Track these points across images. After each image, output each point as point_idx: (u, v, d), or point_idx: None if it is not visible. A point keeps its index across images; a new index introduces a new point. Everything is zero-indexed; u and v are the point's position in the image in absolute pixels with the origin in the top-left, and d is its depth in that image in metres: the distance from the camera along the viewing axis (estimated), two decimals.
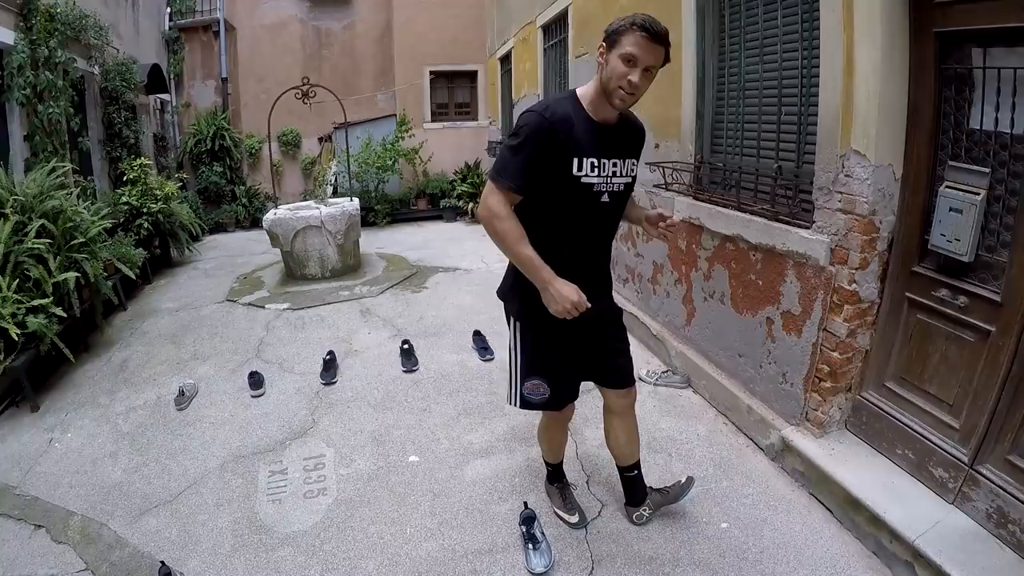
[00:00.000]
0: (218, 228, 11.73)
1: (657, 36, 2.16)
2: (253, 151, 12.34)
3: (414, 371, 4.85)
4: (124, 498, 3.49)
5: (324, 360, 4.87)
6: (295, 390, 4.67)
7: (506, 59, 10.31)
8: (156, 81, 9.92)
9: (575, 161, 2.30)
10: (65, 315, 4.74)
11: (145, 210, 7.95)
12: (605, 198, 2.41)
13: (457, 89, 12.69)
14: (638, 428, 2.97)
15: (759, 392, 3.65)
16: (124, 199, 7.88)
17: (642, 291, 5.14)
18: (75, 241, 5.25)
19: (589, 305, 2.31)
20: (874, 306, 3.02)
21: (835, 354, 3.08)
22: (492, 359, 4.98)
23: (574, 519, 3.06)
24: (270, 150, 9.43)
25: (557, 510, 3.15)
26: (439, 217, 11.57)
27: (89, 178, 7.47)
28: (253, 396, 4.60)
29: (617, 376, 2.81)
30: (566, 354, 2.64)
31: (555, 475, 3.23)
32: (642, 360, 4.76)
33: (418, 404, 4.37)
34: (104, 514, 3.36)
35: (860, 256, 2.89)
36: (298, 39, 12.40)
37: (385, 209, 11.33)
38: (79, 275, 5.11)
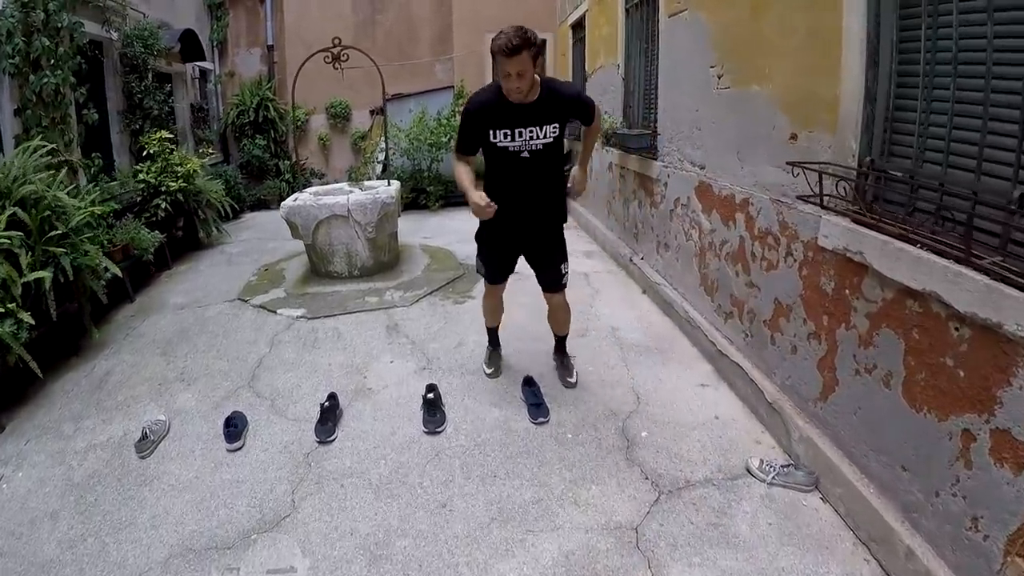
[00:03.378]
0: (260, 205, 10.94)
1: (512, 51, 3.00)
2: (300, 123, 11.42)
3: (438, 433, 3.64)
4: None
5: (322, 407, 3.74)
6: (281, 447, 3.59)
7: (579, 25, 8.95)
8: (192, 48, 9.08)
9: (490, 132, 3.37)
10: (33, 322, 3.93)
11: (164, 189, 7.10)
12: (525, 155, 3.38)
13: None
14: (566, 314, 4.07)
15: (926, 529, 2.36)
16: (141, 176, 7.08)
17: (753, 334, 3.74)
18: (54, 233, 4.37)
19: (494, 206, 3.20)
20: None
21: None
22: (546, 422, 3.66)
23: (490, 371, 4.27)
24: (292, 120, 8.57)
25: (483, 364, 4.36)
26: None
27: (95, 155, 6.58)
28: (229, 450, 3.56)
29: (546, 282, 3.89)
30: (499, 253, 3.83)
31: (491, 338, 4.39)
32: (749, 437, 3.44)
33: (436, 493, 3.17)
34: None
35: None
36: (349, 3, 11.30)
37: (438, 191, 10.20)
38: (56, 272, 4.29)
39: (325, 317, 5.38)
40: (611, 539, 2.73)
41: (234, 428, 3.60)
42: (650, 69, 5.46)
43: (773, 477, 3.02)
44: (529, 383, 3.93)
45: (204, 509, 3.12)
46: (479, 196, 3.24)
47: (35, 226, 4.21)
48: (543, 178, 3.54)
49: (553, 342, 4.30)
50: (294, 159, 10.03)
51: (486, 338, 4.59)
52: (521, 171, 3.46)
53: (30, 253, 4.11)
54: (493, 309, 4.20)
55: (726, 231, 4.00)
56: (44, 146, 4.78)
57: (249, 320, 5.50)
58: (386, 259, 6.44)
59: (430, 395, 3.78)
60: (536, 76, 3.26)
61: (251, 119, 10.86)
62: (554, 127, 3.38)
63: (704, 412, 3.66)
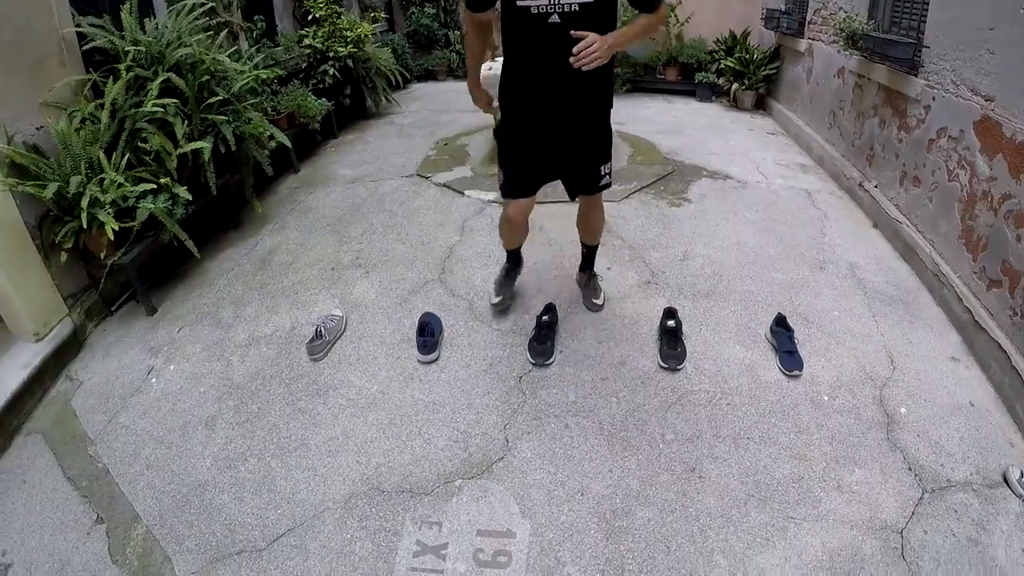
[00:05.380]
0: (427, 76, 10.40)
1: None
2: None
3: (678, 371, 2.90)
4: (203, 516, 2.34)
5: (539, 321, 3.05)
6: (486, 364, 2.95)
7: None
8: None
9: None
10: (190, 197, 3.51)
11: (331, 54, 6.59)
12: (554, 19, 2.37)
13: None
14: (598, 223, 3.21)
15: None
16: (307, 42, 6.59)
17: None
18: (213, 99, 3.88)
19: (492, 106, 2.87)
20: None
21: None
22: (800, 375, 2.89)
23: (495, 299, 3.29)
24: None
25: (492, 288, 3.38)
26: (691, 93, 9.14)
27: (257, 18, 6.04)
28: (421, 360, 2.96)
29: (577, 185, 2.95)
30: (525, 154, 2.77)
31: (509, 258, 3.37)
32: (1003, 436, 2.61)
33: (682, 452, 2.49)
34: (173, 539, 2.27)
35: None
36: None
37: (627, 74, 9.20)
38: (216, 142, 3.87)
39: None
40: (876, 542, 2.18)
41: (430, 337, 2.98)
42: None
43: None
44: (782, 324, 3.09)
45: (393, 437, 2.59)
46: (476, 95, 2.99)
47: (192, 93, 3.73)
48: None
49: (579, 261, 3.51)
50: (465, 29, 9.21)
51: (715, 252, 3.84)
52: (552, 45, 2.39)
53: (187, 122, 3.66)
54: (511, 233, 3.16)
55: (1013, 184, 3.00)
56: (202, 4, 4.18)
57: (432, 200, 4.87)
58: None
59: (671, 323, 3.00)
60: None
61: None
62: None
63: (959, 394, 2.84)
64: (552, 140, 2.73)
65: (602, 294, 3.40)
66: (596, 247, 3.40)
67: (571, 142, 2.75)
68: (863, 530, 2.19)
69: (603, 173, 2.88)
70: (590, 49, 2.24)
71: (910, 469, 2.43)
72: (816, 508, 2.27)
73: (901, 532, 2.20)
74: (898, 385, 2.85)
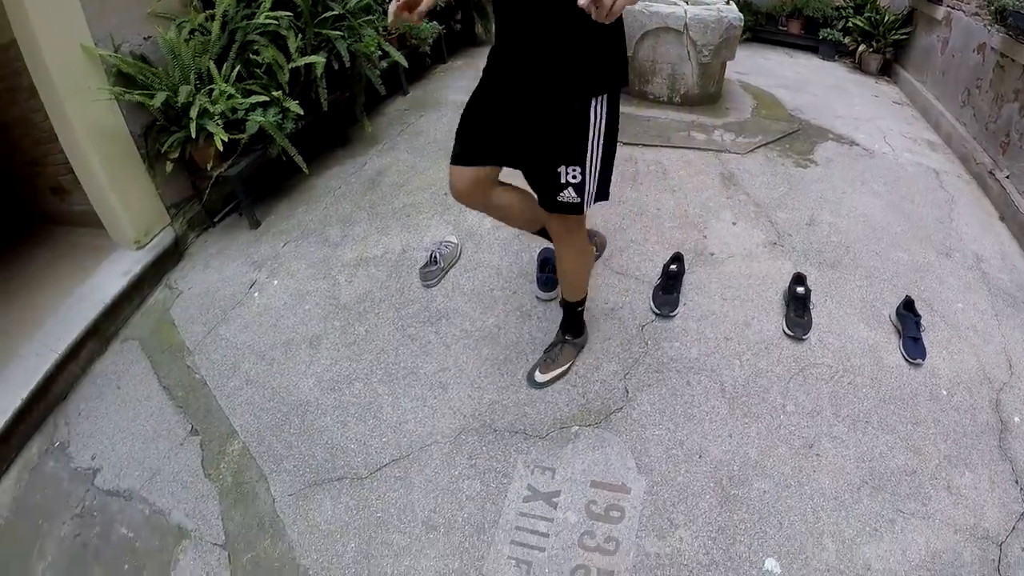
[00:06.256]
0: None
1: None
2: None
3: (803, 340, 2.71)
4: (304, 438, 2.31)
5: (666, 270, 2.86)
6: (608, 310, 2.79)
7: None
8: None
9: None
10: (301, 112, 3.39)
11: None
12: None
13: None
14: (569, 264, 2.32)
15: None
16: None
17: None
18: (328, 14, 3.77)
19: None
20: None
21: None
22: (921, 364, 2.65)
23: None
24: None
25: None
26: (813, 49, 8.55)
27: None
28: (540, 298, 2.83)
29: (537, 192, 2.12)
30: (473, 113, 2.12)
31: None
32: None
33: (802, 426, 2.35)
34: (270, 459, 2.25)
35: None
36: None
37: (748, 21, 8.62)
38: (329, 58, 3.76)
39: (644, 146, 4.37)
40: (976, 550, 2.06)
41: (551, 274, 2.83)
42: None
43: None
44: (910, 308, 2.82)
45: (508, 374, 2.49)
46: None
47: (307, 6, 3.62)
48: (549, 13, 1.81)
49: None
50: None
51: (841, 221, 3.51)
52: None
53: (300, 36, 3.57)
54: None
55: None
56: None
57: None
58: (713, 90, 5.21)
59: (800, 289, 2.78)
60: None
61: None
62: None
63: None
64: (507, 107, 2.02)
65: (554, 372, 2.45)
66: (574, 306, 2.48)
67: (525, 116, 1.99)
68: (966, 536, 2.08)
69: (564, 181, 2.00)
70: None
71: (1016, 482, 2.30)
72: (925, 505, 2.15)
73: (1000, 545, 2.09)
74: (1014, 392, 2.62)
